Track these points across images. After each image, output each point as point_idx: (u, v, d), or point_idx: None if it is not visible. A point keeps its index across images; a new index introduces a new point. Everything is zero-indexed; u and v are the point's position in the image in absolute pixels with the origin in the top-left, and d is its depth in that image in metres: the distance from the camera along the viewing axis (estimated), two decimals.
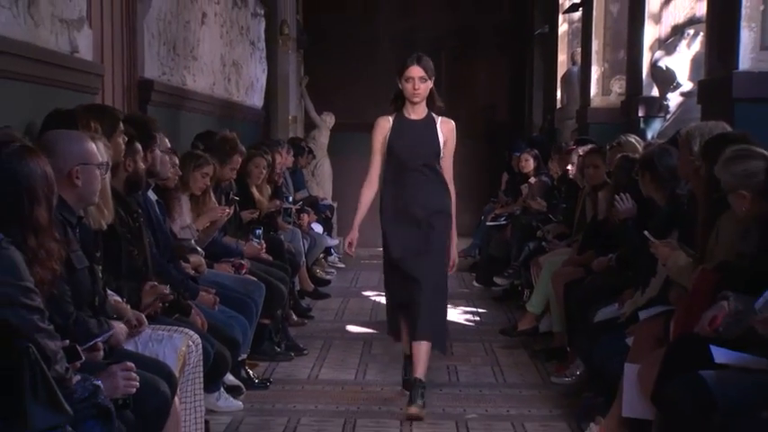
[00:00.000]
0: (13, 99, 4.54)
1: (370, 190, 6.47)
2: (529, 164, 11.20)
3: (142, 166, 5.25)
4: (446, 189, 6.38)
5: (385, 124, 6.31)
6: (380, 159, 6.39)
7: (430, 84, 6.24)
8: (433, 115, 6.34)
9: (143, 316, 4.62)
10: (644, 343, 5.02)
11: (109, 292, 4.50)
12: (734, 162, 4.60)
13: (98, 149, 4.17)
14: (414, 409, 5.96)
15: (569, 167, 9.06)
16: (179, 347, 4.66)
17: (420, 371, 6.16)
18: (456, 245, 6.51)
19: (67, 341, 3.49)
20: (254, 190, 8.60)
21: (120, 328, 4.23)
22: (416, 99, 6.22)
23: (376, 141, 6.35)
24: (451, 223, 6.43)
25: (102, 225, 4.45)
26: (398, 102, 6.32)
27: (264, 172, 8.90)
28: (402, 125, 6.30)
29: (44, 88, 5.00)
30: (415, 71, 6.15)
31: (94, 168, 4.13)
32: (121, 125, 5.00)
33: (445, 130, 6.32)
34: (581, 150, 8.64)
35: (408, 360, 6.46)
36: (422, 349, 6.22)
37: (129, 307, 4.60)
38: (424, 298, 6.18)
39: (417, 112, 6.31)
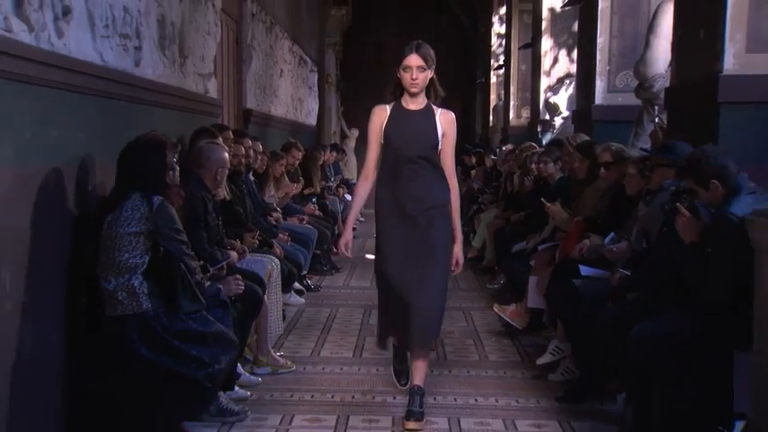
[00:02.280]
0: (172, 122, 4.55)
1: (366, 183, 3.86)
2: (472, 160, 11.21)
3: (242, 161, 5.29)
4: (445, 183, 3.77)
5: (382, 113, 3.75)
6: (376, 150, 3.77)
7: (429, 73, 3.70)
8: (433, 106, 3.77)
9: (246, 248, 4.64)
10: (541, 264, 5.03)
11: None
12: (606, 149, 4.62)
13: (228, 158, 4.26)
14: (412, 424, 3.58)
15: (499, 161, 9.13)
16: (267, 267, 4.68)
17: (419, 377, 3.71)
18: (461, 242, 3.82)
19: (202, 262, 3.53)
20: (313, 175, 8.64)
21: (233, 255, 4.25)
22: (414, 89, 3.67)
23: (372, 131, 3.77)
24: (452, 219, 3.78)
25: (220, 196, 4.51)
26: (397, 92, 3.78)
27: (318, 164, 9.02)
28: (399, 115, 3.73)
29: (189, 114, 4.99)
30: (414, 60, 3.64)
31: (226, 170, 4.23)
32: (231, 134, 5.08)
33: (444, 121, 3.73)
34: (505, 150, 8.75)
35: (398, 349, 4.03)
36: (420, 357, 3.76)
37: (238, 242, 4.62)
38: (424, 303, 3.64)
39: (416, 103, 3.74)
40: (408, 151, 3.71)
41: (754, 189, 3.09)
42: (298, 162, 7.83)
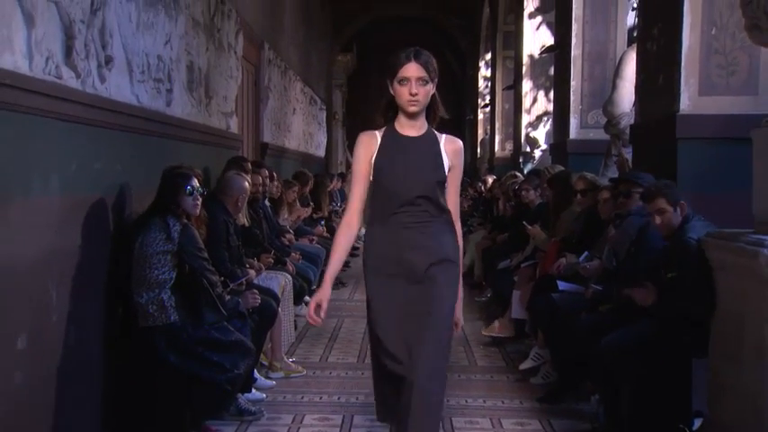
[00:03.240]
0: (198, 154, 4.57)
1: (348, 231, 2.59)
2: None
3: (260, 189, 5.29)
4: (453, 230, 2.55)
5: (370, 142, 2.54)
6: (363, 189, 2.55)
7: (431, 88, 2.48)
8: (435, 132, 2.56)
9: (262, 266, 4.63)
10: (523, 279, 5.01)
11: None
12: (580, 178, 4.68)
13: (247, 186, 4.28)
14: None
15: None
16: (280, 282, 4.66)
17: None
18: (462, 299, 2.63)
19: (223, 278, 3.54)
20: (321, 200, 8.63)
21: (251, 272, 4.24)
22: (414, 108, 2.47)
23: (358, 165, 2.55)
24: (459, 274, 2.57)
25: (241, 221, 4.51)
26: (390, 113, 2.54)
27: (326, 190, 8.99)
28: (394, 144, 2.50)
29: (213, 148, 5.01)
30: (413, 69, 2.43)
31: (246, 197, 4.27)
32: (249, 165, 5.09)
33: (450, 150, 2.54)
34: (490, 179, 8.75)
35: None
36: None
37: (255, 261, 4.61)
38: (422, 378, 2.36)
39: (415, 127, 2.52)
40: (407, 190, 2.46)
41: (692, 216, 3.18)
42: (309, 189, 7.81)
